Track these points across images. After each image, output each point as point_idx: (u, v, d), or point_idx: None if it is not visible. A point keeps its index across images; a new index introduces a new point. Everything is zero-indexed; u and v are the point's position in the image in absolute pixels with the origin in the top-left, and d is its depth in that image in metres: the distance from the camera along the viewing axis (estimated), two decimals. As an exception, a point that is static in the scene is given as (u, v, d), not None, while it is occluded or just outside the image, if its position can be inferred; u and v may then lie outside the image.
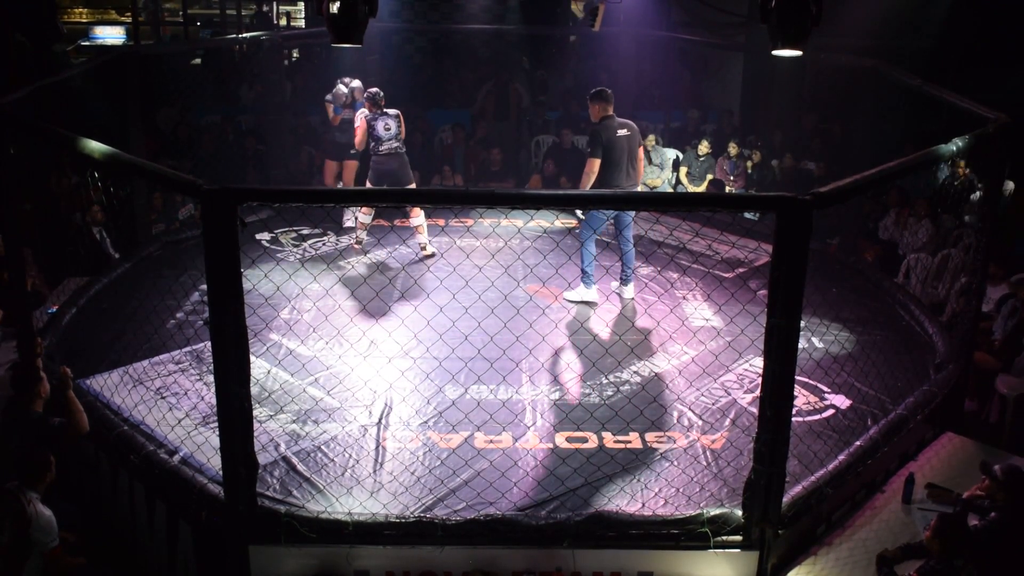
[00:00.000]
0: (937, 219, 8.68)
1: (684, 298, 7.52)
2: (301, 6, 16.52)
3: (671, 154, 10.89)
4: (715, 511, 4.55)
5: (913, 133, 7.90)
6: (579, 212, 7.28)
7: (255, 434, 4.43)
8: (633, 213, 7.19)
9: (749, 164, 10.55)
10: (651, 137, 10.77)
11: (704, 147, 10.54)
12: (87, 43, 15.71)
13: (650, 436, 5.47)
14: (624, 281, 7.36)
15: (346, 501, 4.74)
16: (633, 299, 7.32)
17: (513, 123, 11.68)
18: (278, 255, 8.19)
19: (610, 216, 7.11)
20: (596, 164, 6.85)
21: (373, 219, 8.42)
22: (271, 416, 5.58)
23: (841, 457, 5.04)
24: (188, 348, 6.40)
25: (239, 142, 10.75)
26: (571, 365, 6.28)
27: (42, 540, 4.51)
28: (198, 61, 13.22)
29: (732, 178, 10.49)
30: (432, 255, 8.19)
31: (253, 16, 15.74)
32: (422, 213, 8.22)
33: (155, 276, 7.60)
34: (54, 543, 4.55)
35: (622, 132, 6.97)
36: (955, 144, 5.25)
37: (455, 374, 6.00)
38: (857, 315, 7.20)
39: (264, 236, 8.67)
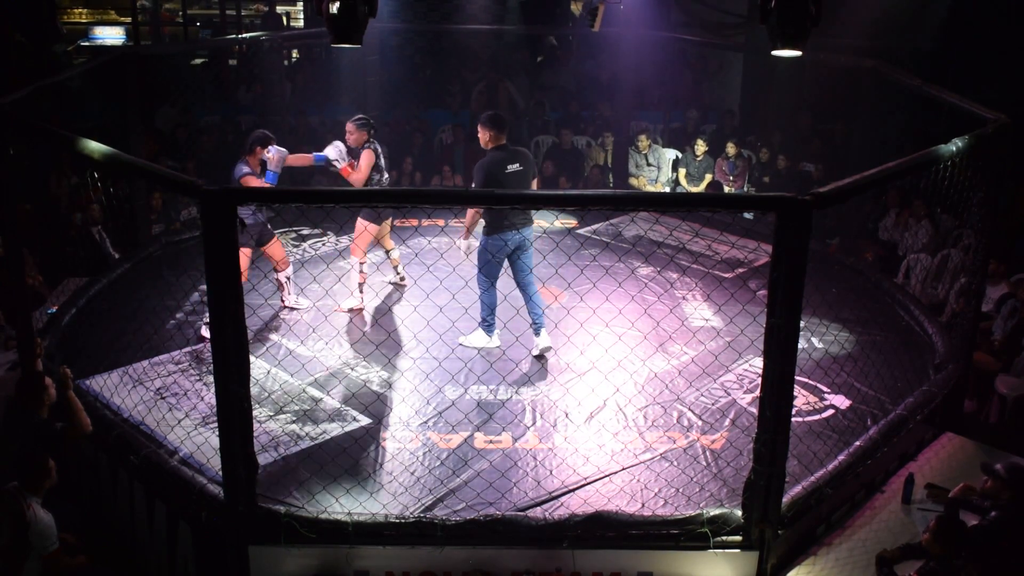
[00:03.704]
0: (936, 219, 8.68)
1: (684, 298, 7.52)
2: (301, 6, 16.49)
3: (670, 154, 10.89)
4: (715, 511, 4.55)
5: (913, 133, 7.90)
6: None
7: (255, 434, 4.44)
8: (531, 252, 6.29)
9: (754, 162, 10.55)
10: (643, 137, 10.75)
11: (701, 147, 10.54)
12: (87, 43, 15.68)
13: (650, 436, 5.47)
14: (535, 328, 6.39)
15: (346, 501, 4.74)
16: (549, 348, 6.35)
17: None
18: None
19: (500, 249, 6.18)
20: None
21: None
22: (271, 416, 5.58)
23: (841, 457, 5.04)
24: (188, 348, 6.41)
25: (239, 142, 10.74)
26: (571, 365, 6.28)
27: (40, 544, 4.50)
28: (198, 61, 13.21)
29: (731, 178, 10.49)
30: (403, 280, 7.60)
31: (261, 16, 15.71)
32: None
33: (155, 276, 7.60)
34: (53, 546, 4.54)
35: (512, 168, 6.07)
36: (955, 144, 5.25)
37: (455, 374, 6.00)
38: (857, 315, 7.20)
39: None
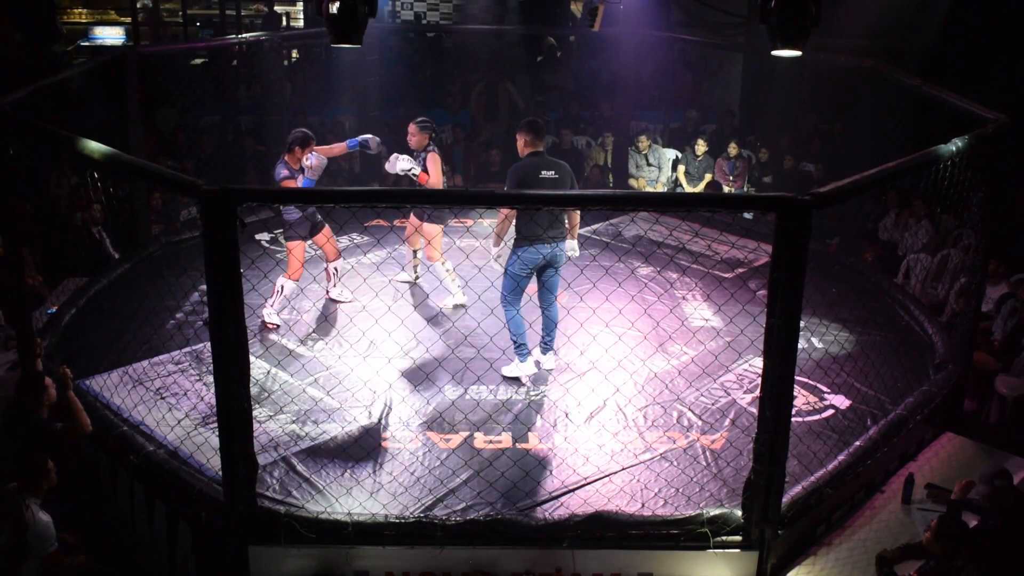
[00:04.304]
0: (936, 219, 8.68)
1: (684, 298, 7.52)
2: (301, 6, 16.50)
3: (670, 154, 10.89)
4: (715, 511, 4.55)
5: (913, 133, 7.90)
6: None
7: (255, 434, 4.44)
8: (561, 266, 6.05)
9: (753, 162, 10.55)
10: (643, 137, 10.75)
11: (701, 146, 10.54)
12: (87, 43, 15.69)
13: (650, 436, 5.47)
14: (544, 347, 6.25)
15: (346, 501, 4.74)
16: (551, 370, 6.22)
17: (503, 124, 11.64)
18: (278, 255, 8.18)
19: (534, 264, 5.95)
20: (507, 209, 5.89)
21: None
22: (271, 416, 5.58)
23: (841, 457, 5.04)
24: (188, 348, 6.40)
25: (239, 142, 10.75)
26: (571, 365, 6.28)
27: (39, 546, 4.50)
28: (198, 61, 13.21)
29: (731, 178, 10.50)
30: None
31: (260, 16, 15.71)
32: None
33: (155, 276, 7.60)
34: (52, 547, 4.54)
35: (546, 174, 5.87)
36: (955, 144, 5.25)
37: (455, 374, 6.00)
38: (857, 315, 7.20)
39: (264, 236, 8.68)
